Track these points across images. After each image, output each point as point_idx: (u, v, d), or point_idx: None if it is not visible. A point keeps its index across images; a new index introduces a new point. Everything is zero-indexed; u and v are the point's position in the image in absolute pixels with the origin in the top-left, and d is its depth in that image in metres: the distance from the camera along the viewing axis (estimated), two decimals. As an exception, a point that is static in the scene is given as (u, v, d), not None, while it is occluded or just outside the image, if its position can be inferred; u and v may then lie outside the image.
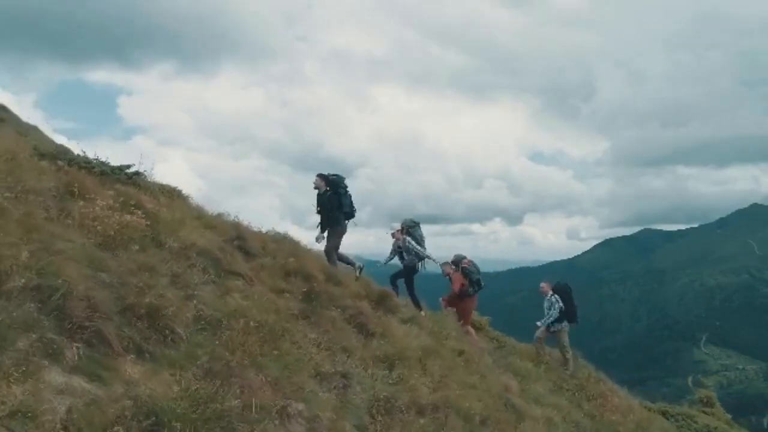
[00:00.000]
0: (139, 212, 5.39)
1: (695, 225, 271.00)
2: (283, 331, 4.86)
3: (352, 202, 8.81)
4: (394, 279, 9.72)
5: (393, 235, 9.68)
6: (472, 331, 10.10)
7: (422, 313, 8.92)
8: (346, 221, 8.81)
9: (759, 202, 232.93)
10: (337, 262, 8.62)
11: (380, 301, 7.32)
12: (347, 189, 8.85)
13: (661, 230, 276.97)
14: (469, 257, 10.51)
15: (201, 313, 4.54)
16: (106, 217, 4.94)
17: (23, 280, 3.28)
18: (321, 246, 8.83)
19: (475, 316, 10.50)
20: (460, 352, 7.07)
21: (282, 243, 8.21)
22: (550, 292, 10.84)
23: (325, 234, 8.85)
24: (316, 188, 8.86)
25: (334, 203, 8.61)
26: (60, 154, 7.55)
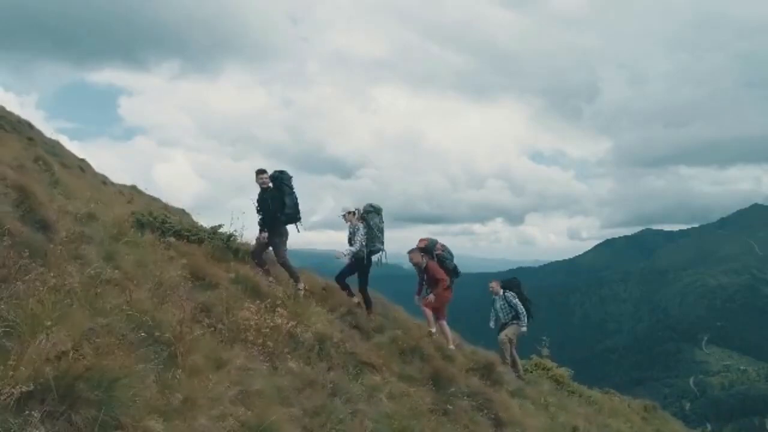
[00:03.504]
0: (281, 311, 5.24)
1: (696, 225, 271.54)
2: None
3: (297, 204, 7.82)
4: (340, 278, 8.15)
5: (344, 217, 8.22)
6: (447, 328, 8.51)
7: (371, 317, 7.82)
8: (288, 225, 7.77)
9: (760, 203, 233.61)
10: (263, 263, 7.62)
11: (487, 372, 7.19)
12: (293, 189, 7.84)
13: (662, 230, 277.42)
14: (440, 242, 8.82)
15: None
16: (259, 324, 4.80)
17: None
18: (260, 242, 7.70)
19: (555, 369, 10.35)
20: (574, 429, 6.96)
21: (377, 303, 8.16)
22: (502, 291, 9.83)
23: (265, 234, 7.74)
24: (262, 184, 7.76)
25: (277, 202, 7.59)
26: (158, 221, 7.41)
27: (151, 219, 7.26)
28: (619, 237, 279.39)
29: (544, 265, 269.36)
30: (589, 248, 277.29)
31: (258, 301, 5.29)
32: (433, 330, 8.16)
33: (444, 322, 8.55)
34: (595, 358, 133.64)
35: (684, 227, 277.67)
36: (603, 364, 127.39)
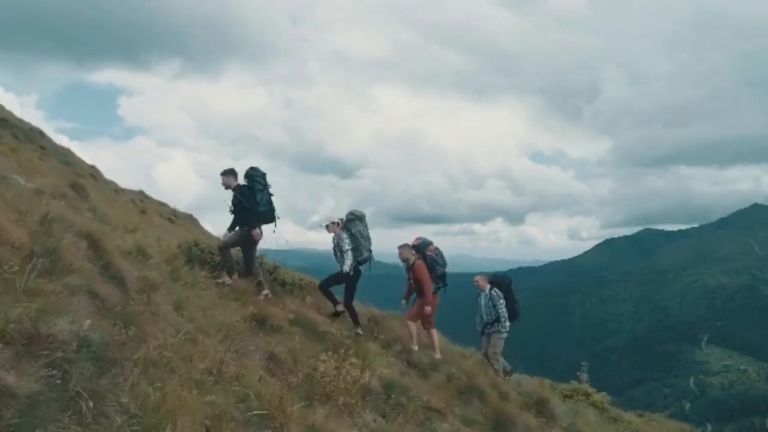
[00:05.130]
0: (354, 360, 5.15)
1: (696, 225, 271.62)
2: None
3: (271, 201, 7.39)
4: (325, 286, 7.84)
5: (327, 228, 7.87)
6: (435, 337, 8.07)
7: (359, 331, 7.37)
8: (262, 224, 7.33)
9: (760, 203, 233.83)
10: (231, 259, 7.17)
11: (541, 408, 7.11)
12: (266, 186, 7.40)
13: (662, 230, 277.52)
14: (434, 245, 8.25)
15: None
16: (337, 379, 4.70)
17: None
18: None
19: (594, 395, 10.23)
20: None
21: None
22: (488, 287, 9.10)
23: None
24: (226, 188, 7.36)
25: (247, 199, 7.15)
26: (205, 253, 7.32)
27: (198, 252, 7.17)
28: (619, 237, 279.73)
29: (544, 265, 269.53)
30: (589, 248, 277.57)
31: (330, 352, 5.18)
32: (416, 348, 7.67)
33: (433, 331, 8.13)
34: (595, 358, 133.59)
35: (684, 227, 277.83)
36: (603, 364, 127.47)
